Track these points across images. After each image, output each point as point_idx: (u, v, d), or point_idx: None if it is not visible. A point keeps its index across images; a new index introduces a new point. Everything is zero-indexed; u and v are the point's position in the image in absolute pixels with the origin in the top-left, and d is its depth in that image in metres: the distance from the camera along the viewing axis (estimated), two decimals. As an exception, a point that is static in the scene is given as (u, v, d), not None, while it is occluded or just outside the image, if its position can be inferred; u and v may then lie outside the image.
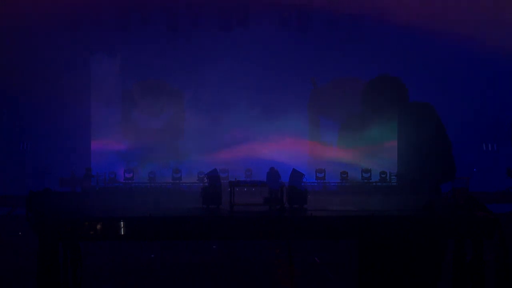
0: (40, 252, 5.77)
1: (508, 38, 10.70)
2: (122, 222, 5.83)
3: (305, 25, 11.33)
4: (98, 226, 5.80)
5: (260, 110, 11.29)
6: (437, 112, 7.75)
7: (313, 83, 11.30)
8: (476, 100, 10.96)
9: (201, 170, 10.48)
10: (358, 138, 10.95)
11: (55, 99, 10.70)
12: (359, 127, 10.88)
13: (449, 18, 10.75)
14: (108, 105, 11.29)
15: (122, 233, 5.87)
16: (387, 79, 8.11)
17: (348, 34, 11.19)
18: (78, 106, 11.12)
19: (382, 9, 10.84)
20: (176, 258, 9.72)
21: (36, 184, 8.33)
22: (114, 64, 11.19)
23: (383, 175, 10.72)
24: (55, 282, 5.86)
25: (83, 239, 6.04)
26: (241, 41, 11.23)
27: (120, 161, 11.22)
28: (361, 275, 6.59)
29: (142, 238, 6.30)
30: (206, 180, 7.15)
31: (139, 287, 8.44)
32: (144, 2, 11.08)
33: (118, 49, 11.15)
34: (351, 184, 10.58)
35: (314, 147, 11.48)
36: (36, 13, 10.54)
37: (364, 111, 9.70)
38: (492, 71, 11.12)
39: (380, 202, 6.96)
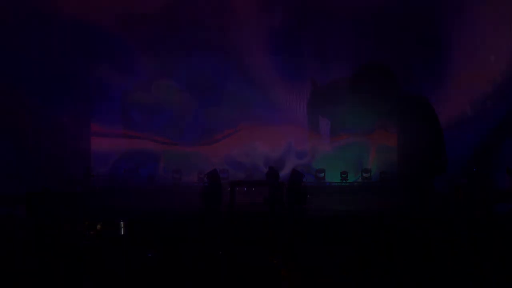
0: (40, 252, 5.78)
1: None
2: (122, 222, 5.84)
3: (304, 22, 11.30)
4: (98, 226, 5.80)
5: (260, 110, 11.28)
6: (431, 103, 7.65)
7: (313, 83, 11.30)
8: (476, 98, 10.93)
9: (201, 170, 10.47)
10: (357, 137, 10.96)
11: (55, 99, 10.71)
12: (359, 126, 10.88)
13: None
14: (108, 105, 11.29)
15: (122, 233, 5.87)
16: (374, 68, 7.86)
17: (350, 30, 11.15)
18: (79, 105, 11.12)
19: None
20: (175, 258, 9.72)
21: (36, 184, 8.32)
22: (115, 63, 11.18)
23: (383, 175, 10.69)
24: (55, 282, 5.86)
25: (83, 239, 6.05)
26: (241, 40, 11.23)
27: (120, 161, 11.22)
28: (361, 275, 6.60)
29: (142, 238, 6.29)
30: (206, 180, 7.16)
31: (138, 287, 8.44)
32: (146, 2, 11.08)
33: (119, 49, 11.15)
34: (351, 184, 10.56)
35: (314, 147, 11.46)
36: (37, 14, 10.56)
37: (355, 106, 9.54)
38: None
39: (379, 202, 6.96)
